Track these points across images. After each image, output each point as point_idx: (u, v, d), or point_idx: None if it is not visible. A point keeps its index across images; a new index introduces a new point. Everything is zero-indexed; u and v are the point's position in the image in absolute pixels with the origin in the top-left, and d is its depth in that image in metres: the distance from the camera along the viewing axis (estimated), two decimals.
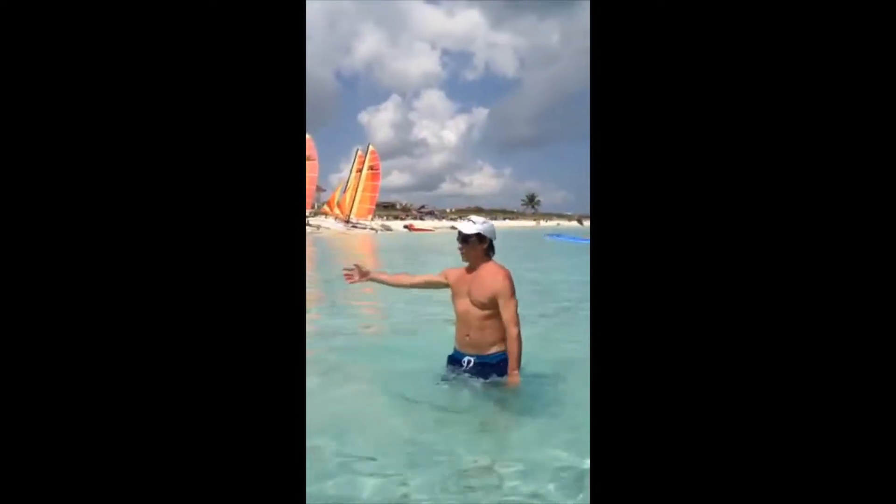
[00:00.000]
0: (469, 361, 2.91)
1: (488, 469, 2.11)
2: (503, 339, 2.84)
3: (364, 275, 3.06)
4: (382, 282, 3.18)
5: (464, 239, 2.90)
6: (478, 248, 2.90)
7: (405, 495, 1.90)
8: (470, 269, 2.93)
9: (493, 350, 2.87)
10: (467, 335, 2.91)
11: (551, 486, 1.94)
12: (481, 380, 2.83)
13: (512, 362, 2.77)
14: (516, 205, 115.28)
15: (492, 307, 2.82)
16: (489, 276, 2.85)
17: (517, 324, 2.78)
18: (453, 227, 2.99)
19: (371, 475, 2.02)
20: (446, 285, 3.01)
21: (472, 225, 2.91)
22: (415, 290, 3.47)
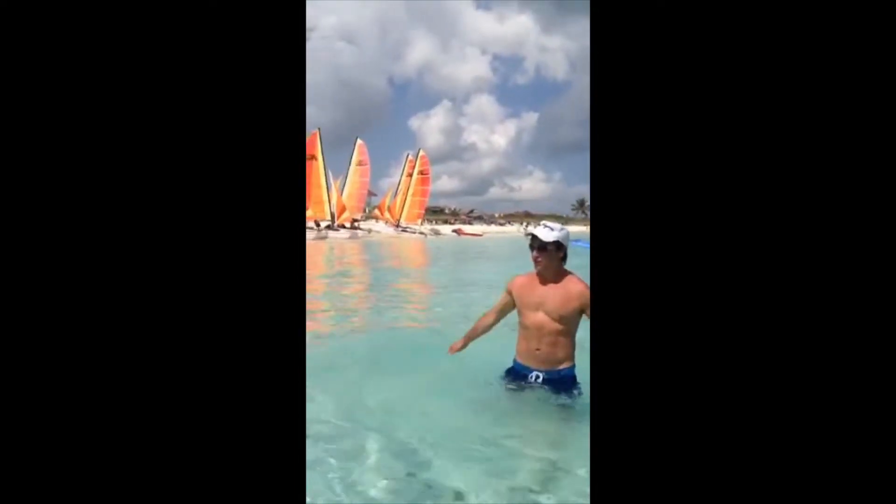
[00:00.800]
0: (537, 377, 2.72)
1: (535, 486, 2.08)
2: (573, 355, 2.70)
3: (463, 344, 2.90)
4: (473, 337, 2.94)
5: (542, 247, 2.64)
6: (556, 257, 2.67)
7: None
8: (544, 280, 2.69)
9: (564, 366, 2.70)
10: (537, 349, 2.70)
11: None
12: (552, 396, 2.67)
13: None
14: (566, 209, 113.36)
15: (569, 321, 2.64)
16: (573, 289, 2.63)
17: None
18: (527, 234, 2.73)
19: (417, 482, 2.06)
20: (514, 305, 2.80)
21: (551, 231, 2.66)
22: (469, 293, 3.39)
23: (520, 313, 2.77)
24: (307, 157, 38.87)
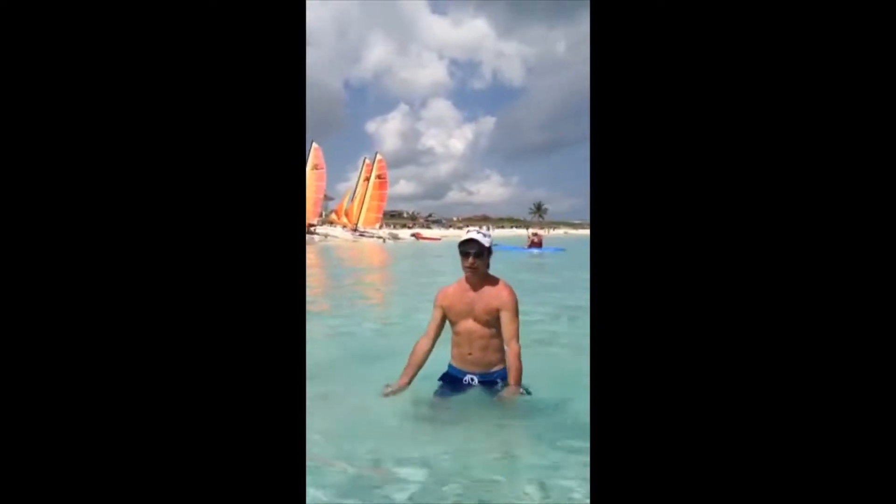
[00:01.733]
0: (472, 380, 2.78)
1: (494, 481, 2.08)
2: (504, 358, 2.73)
3: (407, 381, 2.78)
4: (416, 368, 2.81)
5: (479, 253, 2.69)
6: (487, 262, 2.74)
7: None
8: (473, 286, 2.74)
9: (497, 368, 2.76)
10: (469, 353, 2.76)
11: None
12: (485, 394, 2.72)
13: (512, 377, 2.65)
14: (524, 213, 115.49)
15: (496, 324, 2.70)
16: (495, 292, 2.71)
17: (518, 340, 2.67)
18: (469, 241, 2.74)
19: (371, 487, 2.02)
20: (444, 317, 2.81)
21: (485, 237, 2.73)
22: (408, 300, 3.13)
23: (451, 322, 2.81)
24: None
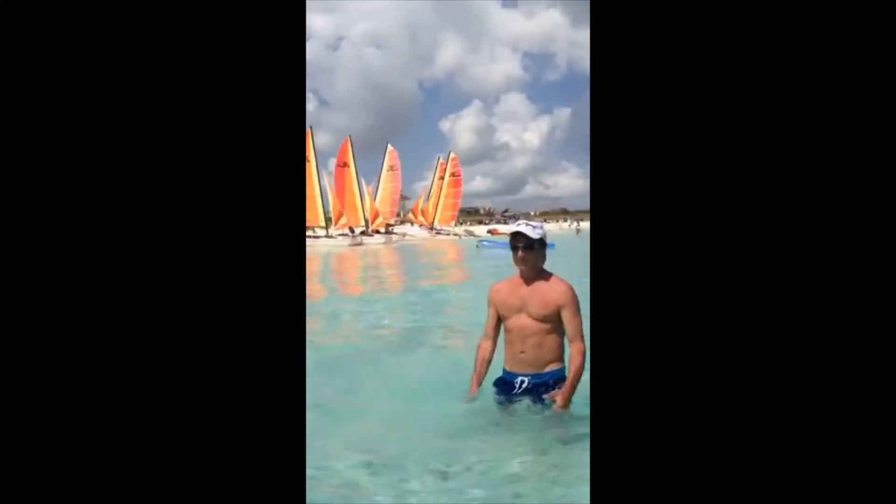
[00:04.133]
0: (523, 382, 2.64)
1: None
2: (560, 357, 2.61)
3: (477, 386, 2.77)
4: (482, 374, 2.79)
5: (528, 245, 2.58)
6: (540, 255, 2.61)
7: None
8: (526, 280, 2.63)
9: (551, 368, 2.62)
10: (522, 351, 2.63)
11: None
12: (539, 405, 2.58)
13: (569, 385, 2.51)
14: None
15: (552, 321, 2.57)
16: (551, 288, 2.59)
17: (583, 338, 2.50)
18: (516, 234, 2.65)
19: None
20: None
21: (535, 229, 2.62)
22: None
23: (503, 319, 2.70)
24: (340, 164, 39.53)
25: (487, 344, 2.77)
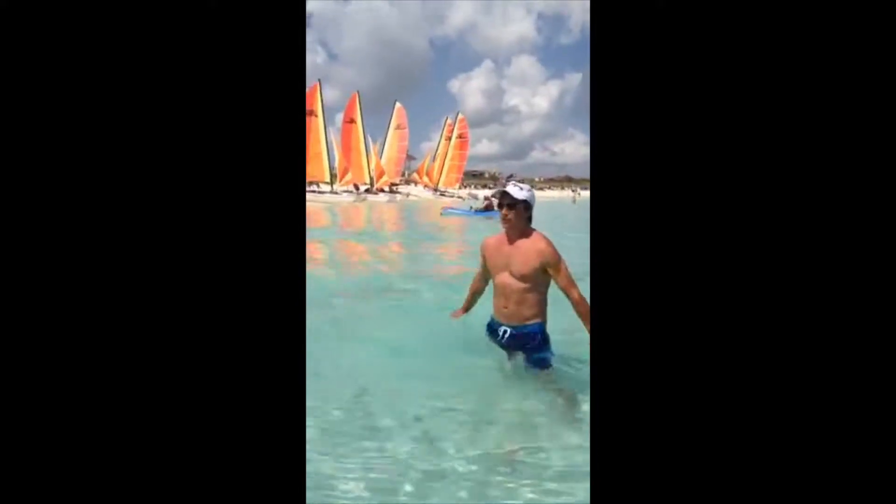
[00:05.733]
0: (506, 332, 2.81)
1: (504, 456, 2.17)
2: (541, 313, 2.77)
3: (464, 310, 3.13)
4: (471, 302, 3.15)
5: (511, 204, 2.69)
6: (523, 216, 2.71)
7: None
8: (509, 240, 2.75)
9: (532, 322, 2.76)
10: (505, 307, 2.79)
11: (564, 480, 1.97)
12: (518, 354, 2.84)
13: (587, 319, 2.63)
14: None
15: (532, 279, 2.69)
16: (531, 247, 2.69)
17: (576, 285, 2.63)
18: (494, 194, 2.78)
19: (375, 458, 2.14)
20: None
21: (520, 191, 2.71)
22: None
23: (491, 273, 2.86)
24: (347, 120, 39.14)
25: (477, 282, 3.08)
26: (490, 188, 62.50)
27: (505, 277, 2.76)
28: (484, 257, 2.91)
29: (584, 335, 2.65)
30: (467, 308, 3.11)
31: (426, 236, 12.17)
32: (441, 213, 20.57)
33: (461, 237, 13.02)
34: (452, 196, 44.46)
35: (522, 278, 2.71)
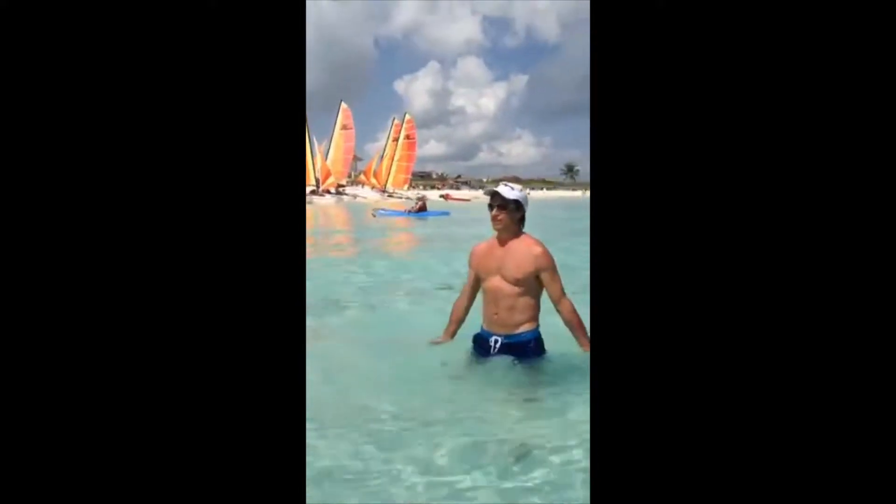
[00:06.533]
0: (497, 342, 2.71)
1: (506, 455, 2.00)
2: (533, 318, 2.68)
3: (445, 339, 2.90)
4: (457, 325, 2.93)
5: (502, 205, 2.63)
6: (515, 217, 2.65)
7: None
8: (502, 241, 2.69)
9: (523, 329, 2.68)
10: (495, 314, 2.69)
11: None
12: (510, 360, 2.67)
13: (579, 332, 2.63)
14: (555, 174, 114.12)
15: (525, 284, 2.62)
16: (526, 251, 2.63)
17: (566, 296, 2.62)
18: (487, 192, 2.75)
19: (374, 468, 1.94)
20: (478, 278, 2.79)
21: (511, 191, 2.67)
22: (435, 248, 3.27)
23: (481, 280, 2.77)
24: None
25: (464, 299, 2.89)
26: (438, 188, 62.98)
27: (496, 282, 2.67)
28: (473, 266, 2.82)
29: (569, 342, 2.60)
30: (452, 333, 2.91)
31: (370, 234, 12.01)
32: (373, 215, 20.60)
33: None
34: (401, 197, 44.12)
35: (515, 283, 2.63)
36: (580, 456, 1.93)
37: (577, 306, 2.62)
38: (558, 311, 2.65)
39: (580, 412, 2.21)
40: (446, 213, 23.43)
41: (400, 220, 18.21)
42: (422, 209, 21.27)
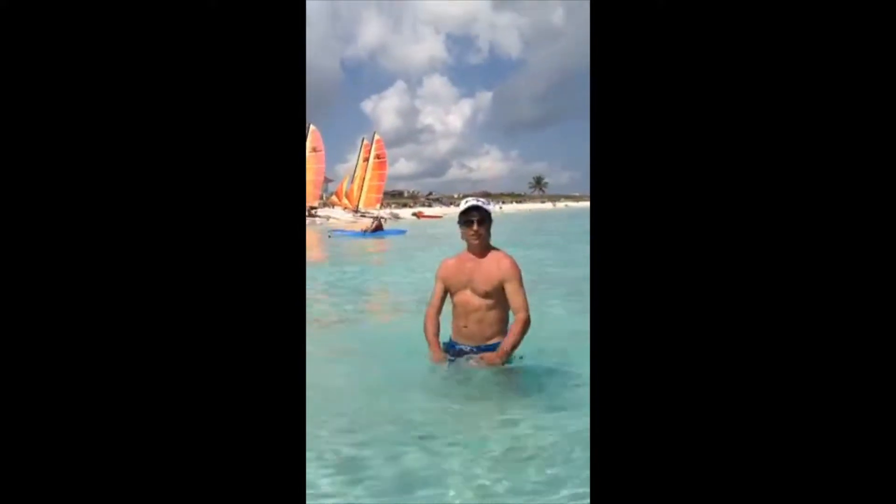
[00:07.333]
0: (466, 352, 2.75)
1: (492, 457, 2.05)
2: (503, 331, 2.69)
3: (438, 358, 2.80)
4: (438, 339, 2.87)
5: (482, 219, 2.64)
6: (488, 229, 2.69)
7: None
8: (474, 255, 2.71)
9: (493, 341, 2.70)
10: (465, 326, 2.72)
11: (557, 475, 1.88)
12: (477, 368, 2.66)
13: (507, 343, 2.60)
14: (524, 187, 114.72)
15: (495, 296, 2.65)
16: (494, 263, 2.66)
17: (527, 310, 2.62)
18: (465, 209, 2.72)
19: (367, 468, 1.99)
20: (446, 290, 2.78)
21: (485, 204, 2.72)
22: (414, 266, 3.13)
23: (450, 294, 2.80)
24: None
25: (432, 311, 2.84)
26: (410, 207, 62.78)
27: (465, 296, 2.70)
28: (442, 279, 2.81)
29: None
30: (440, 349, 2.85)
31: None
32: (329, 236, 19.85)
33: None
34: (375, 217, 43.98)
35: (485, 295, 2.66)
36: (580, 456, 1.94)
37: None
38: (515, 317, 2.64)
39: (580, 412, 2.22)
40: (402, 232, 23.05)
41: (356, 241, 17.94)
42: (378, 228, 20.91)
